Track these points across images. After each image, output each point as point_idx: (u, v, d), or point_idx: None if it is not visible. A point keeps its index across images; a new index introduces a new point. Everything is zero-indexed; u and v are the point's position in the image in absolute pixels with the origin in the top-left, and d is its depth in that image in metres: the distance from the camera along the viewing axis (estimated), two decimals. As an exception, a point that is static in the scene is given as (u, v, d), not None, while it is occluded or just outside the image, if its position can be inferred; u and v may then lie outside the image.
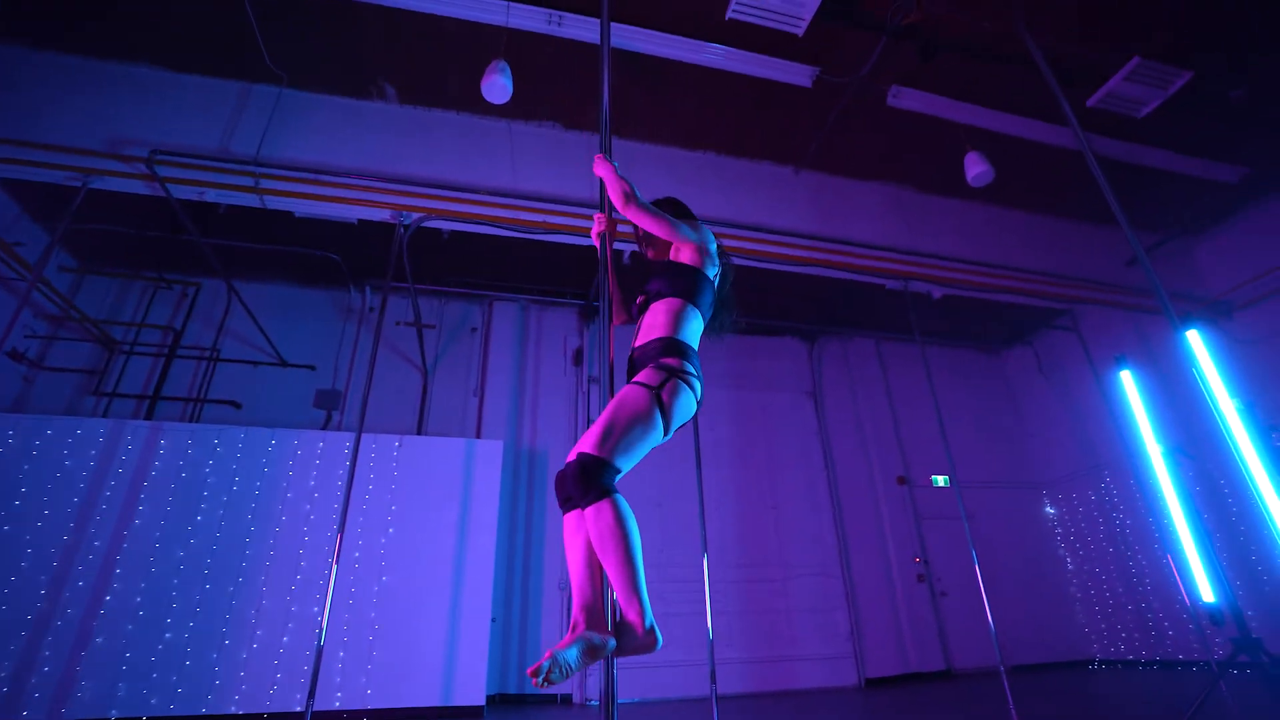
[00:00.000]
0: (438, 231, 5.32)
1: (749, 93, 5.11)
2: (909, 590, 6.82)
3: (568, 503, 1.61)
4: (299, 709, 4.40)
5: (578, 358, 7.11)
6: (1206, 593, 3.20)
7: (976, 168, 4.81)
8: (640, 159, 5.48)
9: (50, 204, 5.14)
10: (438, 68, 4.87)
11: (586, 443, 1.57)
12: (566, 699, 5.49)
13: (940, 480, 7.61)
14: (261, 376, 6.43)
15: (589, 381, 6.98)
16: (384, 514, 5.15)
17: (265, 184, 4.46)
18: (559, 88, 5.07)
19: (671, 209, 2.13)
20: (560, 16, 4.30)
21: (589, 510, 1.49)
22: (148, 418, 5.77)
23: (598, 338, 7.34)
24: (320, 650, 3.57)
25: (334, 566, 3.75)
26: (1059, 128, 5.35)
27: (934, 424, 7.61)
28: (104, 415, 5.74)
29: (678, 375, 1.67)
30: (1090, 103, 5.01)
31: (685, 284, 1.84)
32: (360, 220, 4.89)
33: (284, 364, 6.45)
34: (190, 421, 5.88)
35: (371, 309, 6.94)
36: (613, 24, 4.29)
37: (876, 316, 7.54)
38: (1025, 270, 6.12)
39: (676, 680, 5.72)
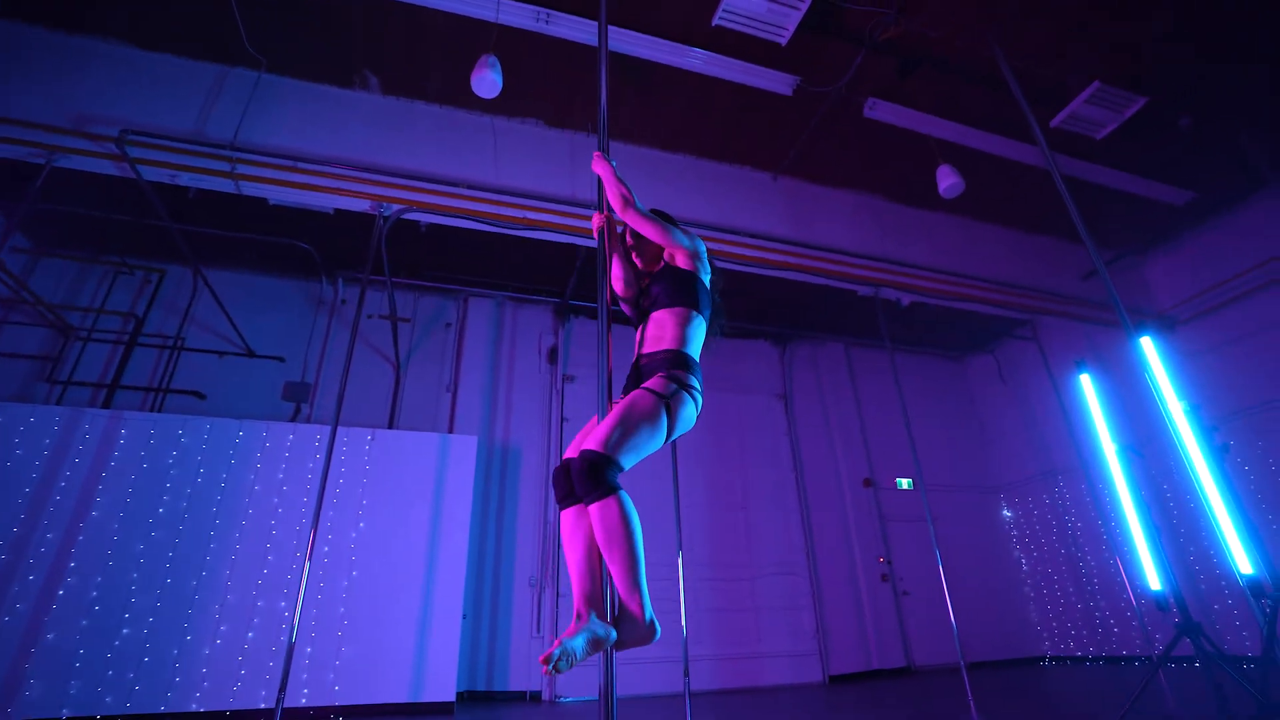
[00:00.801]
0: (415, 225, 5.28)
1: (731, 99, 5.22)
2: (873, 590, 7.00)
3: (567, 499, 1.65)
4: (264, 706, 4.31)
5: (552, 356, 7.11)
6: (1154, 581, 3.40)
7: (948, 180, 5.00)
8: (622, 159, 5.53)
9: (3, 180, 4.94)
10: (422, 60, 4.84)
11: (593, 441, 1.59)
12: (535, 696, 5.49)
13: (904, 483, 7.84)
14: (227, 367, 6.25)
15: (563, 380, 7.00)
16: (355, 509, 5.08)
17: (242, 169, 4.36)
18: (544, 85, 5.09)
19: (663, 218, 2.18)
20: (549, 14, 4.33)
21: (594, 506, 1.52)
22: (105, 406, 5.57)
23: (572, 337, 7.37)
24: (291, 647, 3.49)
25: (306, 564, 3.68)
26: (1024, 145, 5.60)
27: (899, 428, 7.88)
28: (58, 403, 5.53)
29: (685, 388, 1.72)
30: (1054, 123, 5.26)
31: (688, 291, 1.89)
32: (337, 210, 4.83)
33: (251, 355, 6.30)
34: (152, 411, 5.69)
35: (344, 301, 6.83)
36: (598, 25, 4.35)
37: (846, 322, 7.74)
38: (990, 280, 6.37)
39: (649, 676, 5.77)
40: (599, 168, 2.09)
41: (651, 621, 1.52)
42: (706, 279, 2.01)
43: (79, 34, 4.49)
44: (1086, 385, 3.92)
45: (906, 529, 7.56)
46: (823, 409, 7.92)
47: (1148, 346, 2.77)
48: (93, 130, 4.18)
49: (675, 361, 1.77)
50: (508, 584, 5.84)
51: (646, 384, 1.73)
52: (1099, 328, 6.97)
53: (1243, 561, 2.30)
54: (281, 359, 6.43)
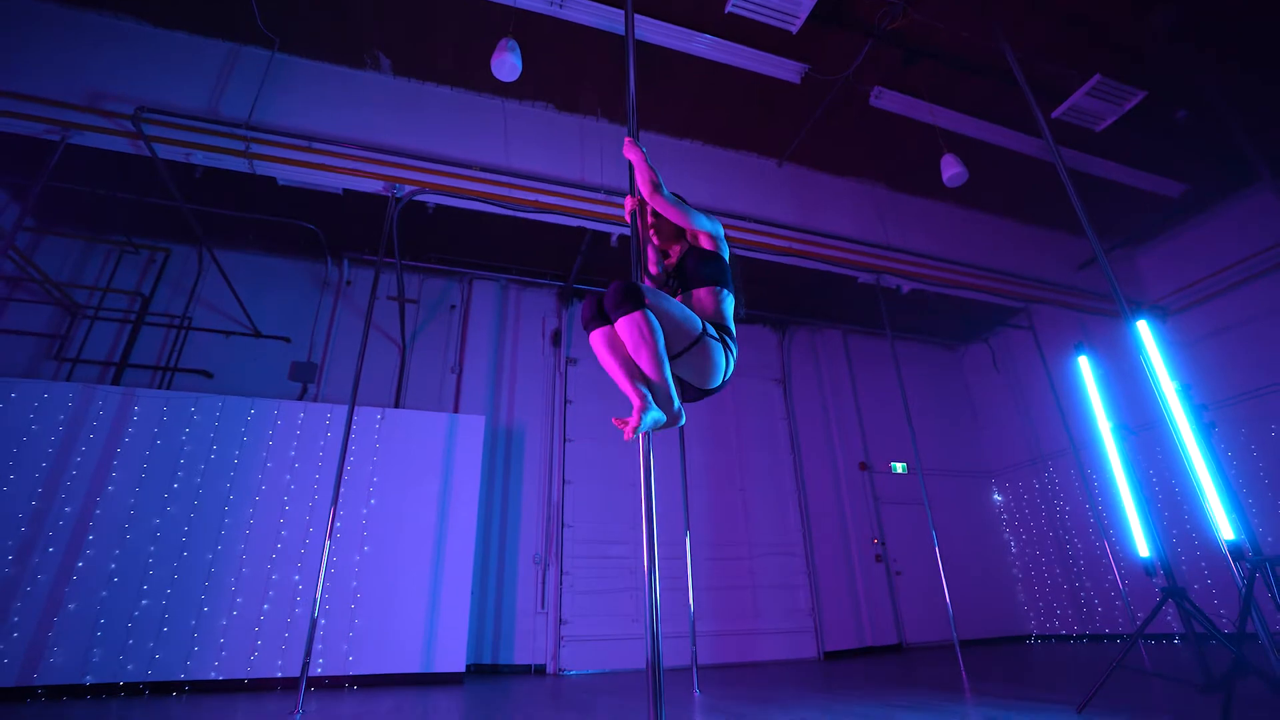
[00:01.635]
0: (423, 206, 5.35)
1: (740, 86, 5.30)
2: (867, 569, 7.22)
3: (594, 320, 1.84)
4: (280, 675, 4.46)
5: (556, 339, 7.22)
6: (1142, 549, 3.60)
7: (952, 169, 5.13)
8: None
9: (9, 158, 4.96)
10: (433, 41, 4.89)
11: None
12: (540, 669, 5.67)
13: (899, 467, 8.05)
14: (234, 347, 6.32)
15: (566, 363, 7.11)
16: (365, 486, 5.20)
17: (256, 149, 4.41)
18: (555, 69, 5.16)
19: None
20: (563, -2, 4.40)
21: (625, 320, 1.72)
22: (114, 384, 5.63)
23: (576, 320, 7.47)
24: (314, 621, 3.62)
25: (327, 541, 3.79)
26: (1025, 136, 5.74)
27: (894, 414, 8.08)
28: (68, 380, 5.59)
29: (723, 343, 1.92)
30: (1054, 114, 5.39)
31: (717, 269, 2.05)
32: (346, 190, 4.90)
33: (258, 335, 6.37)
34: (160, 389, 5.77)
35: (349, 282, 6.89)
36: (613, 9, 4.43)
37: (844, 309, 7.90)
38: (988, 269, 6.53)
39: (643, 652, 5.95)
40: (631, 153, 2.20)
41: (679, 408, 1.81)
42: (727, 257, 2.14)
43: (92, 10, 4.50)
44: (1085, 366, 4.10)
45: (900, 511, 7.78)
46: (820, 394, 8.09)
47: (1144, 330, 2.93)
48: (107, 108, 4.22)
49: (720, 326, 1.97)
50: (512, 561, 5.99)
51: (708, 324, 1.94)
52: (1092, 316, 7.16)
53: (1226, 530, 2.48)
54: (287, 339, 6.50)
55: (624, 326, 1.72)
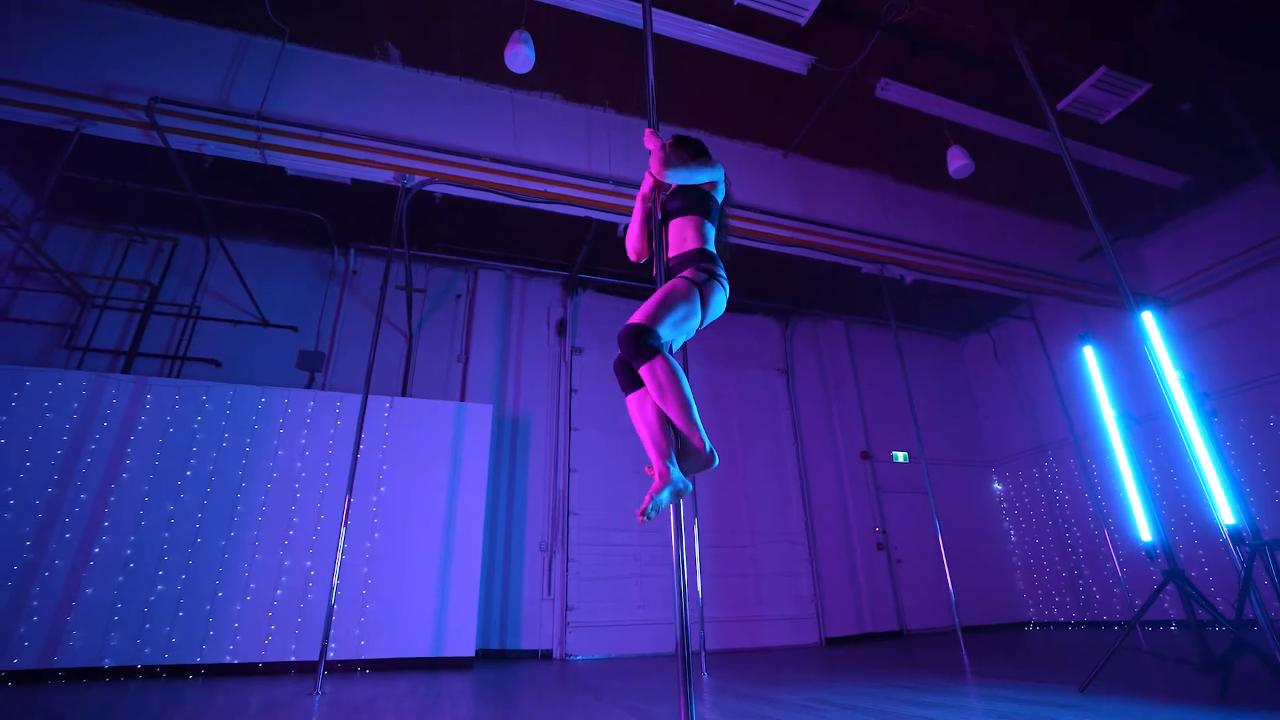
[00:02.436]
0: (430, 196, 5.40)
1: (747, 77, 5.33)
2: (868, 557, 7.32)
3: (629, 386, 1.92)
4: (294, 659, 4.54)
5: (561, 328, 7.27)
6: (1145, 533, 3.68)
7: (958, 161, 5.16)
8: (640, 133, 5.64)
9: (21, 147, 4.98)
10: (442, 32, 4.91)
11: (637, 315, 1.85)
12: (547, 654, 5.76)
13: (900, 456, 8.13)
14: (241, 336, 6.37)
15: (572, 352, 7.16)
16: (375, 473, 5.26)
17: (267, 139, 4.45)
18: (563, 60, 5.18)
19: (694, 147, 2.38)
20: (572, -11, 4.42)
21: (645, 368, 1.77)
22: (125, 373, 5.68)
23: (581, 309, 7.52)
24: (331, 608, 3.70)
25: (343, 528, 3.89)
26: (1030, 128, 5.76)
27: (896, 404, 8.14)
28: (78, 368, 5.64)
29: (715, 277, 1.97)
30: (1060, 106, 5.42)
31: (702, 204, 2.17)
32: (355, 180, 4.94)
33: (265, 324, 6.41)
34: (171, 378, 5.82)
35: (355, 271, 6.93)
36: (626, 0, 4.44)
37: (846, 300, 7.94)
38: (991, 260, 6.58)
39: (655, 637, 6.05)
40: (650, 143, 2.25)
41: (710, 450, 1.81)
42: (720, 198, 2.27)
43: (104, 0, 4.52)
44: (1090, 357, 4.15)
45: (901, 500, 7.87)
46: (822, 384, 8.15)
47: (1148, 321, 2.99)
48: (121, 98, 4.24)
49: (701, 256, 2.05)
50: (519, 548, 6.08)
51: (680, 274, 2.00)
52: (1094, 308, 7.22)
53: (1227, 515, 2.55)
54: (295, 328, 6.54)
55: (645, 375, 1.77)
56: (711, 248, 2.12)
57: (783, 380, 7.97)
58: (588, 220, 5.81)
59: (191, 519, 4.70)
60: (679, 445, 1.82)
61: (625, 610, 6.09)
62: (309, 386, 6.24)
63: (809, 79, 5.25)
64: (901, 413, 8.10)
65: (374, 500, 5.19)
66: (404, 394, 6.47)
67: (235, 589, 4.61)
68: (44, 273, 5.72)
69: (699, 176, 2.19)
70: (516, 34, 4.01)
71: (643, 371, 1.77)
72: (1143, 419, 5.50)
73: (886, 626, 7.07)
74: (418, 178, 4.73)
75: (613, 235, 6.12)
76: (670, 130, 5.84)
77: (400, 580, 4.99)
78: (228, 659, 4.43)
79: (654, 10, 4.56)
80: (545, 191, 5.03)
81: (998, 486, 8.50)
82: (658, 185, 2.31)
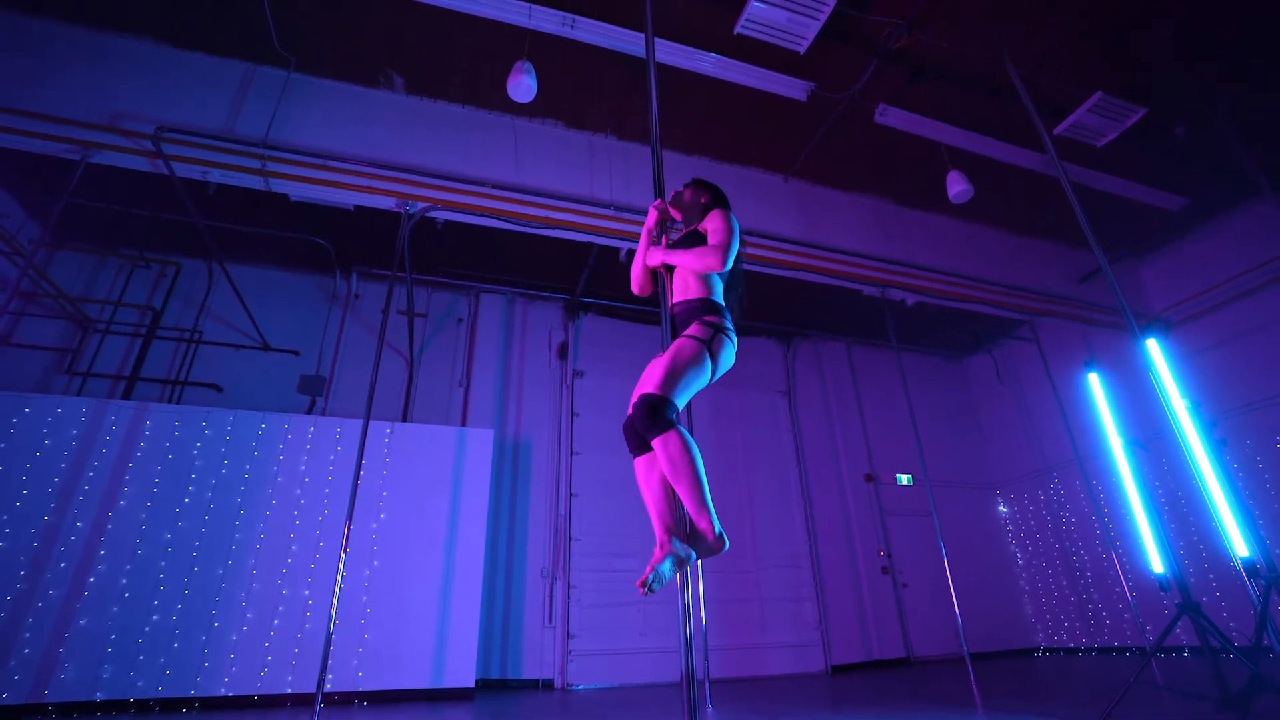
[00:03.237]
0: (432, 222, 5.40)
1: (747, 104, 5.37)
2: (873, 582, 7.21)
3: (638, 449, 1.87)
4: (289, 691, 4.44)
5: (562, 352, 7.24)
6: (1156, 564, 3.61)
7: (958, 185, 5.17)
8: (642, 160, 5.68)
9: (28, 176, 5.02)
10: (446, 61, 4.96)
11: (649, 385, 1.80)
12: (548, 684, 5.64)
13: (904, 478, 8.05)
14: (243, 360, 6.35)
15: (573, 376, 7.13)
16: (375, 500, 5.19)
17: (272, 166, 4.47)
18: (565, 87, 5.22)
19: (712, 194, 2.34)
20: (573, 20, 4.47)
21: (657, 442, 1.72)
22: (125, 398, 5.65)
23: (582, 333, 7.51)
24: (330, 637, 3.62)
25: (342, 555, 3.81)
26: (1028, 151, 5.80)
27: (898, 425, 8.09)
28: (78, 394, 5.61)
29: (722, 331, 1.91)
30: (1057, 131, 5.45)
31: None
32: (357, 207, 4.94)
33: (267, 348, 6.40)
34: (171, 403, 5.78)
35: (357, 296, 6.93)
36: (624, 30, 4.50)
37: (848, 321, 7.93)
38: (992, 282, 6.57)
39: (658, 666, 5.93)
40: (666, 256, 2.16)
41: (720, 535, 1.74)
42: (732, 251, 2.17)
43: (113, 32, 4.57)
44: (1094, 383, 4.12)
45: (905, 523, 7.77)
46: (825, 406, 8.10)
47: (1153, 348, 2.96)
48: (128, 127, 4.27)
49: (706, 308, 1.98)
50: (520, 575, 5.99)
51: (687, 332, 1.93)
52: (1096, 328, 7.20)
53: (1240, 546, 2.49)
54: (296, 353, 6.52)
55: (658, 447, 1.72)
56: (718, 298, 2.05)
57: (785, 402, 7.93)
58: (589, 245, 5.82)
59: (189, 547, 4.64)
60: (688, 528, 1.75)
61: (628, 638, 5.98)
62: (310, 411, 6.20)
63: (809, 105, 5.29)
64: (905, 434, 8.04)
65: (374, 527, 5.12)
66: (405, 419, 6.43)
67: (232, 619, 4.53)
68: (47, 298, 5.72)
69: (735, 245, 2.08)
70: (519, 64, 4.05)
71: (655, 444, 1.72)
72: (1149, 443, 5.45)
73: (893, 653, 6.94)
74: (420, 204, 4.75)
75: (614, 259, 6.12)
76: (671, 156, 5.89)
77: (400, 609, 4.90)
78: (223, 691, 4.33)
79: (655, 39, 4.62)
80: (547, 217, 5.04)
81: (1003, 509, 8.41)
82: (662, 220, 2.29)
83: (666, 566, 1.62)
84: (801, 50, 4.60)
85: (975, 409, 9.04)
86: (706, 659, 4.07)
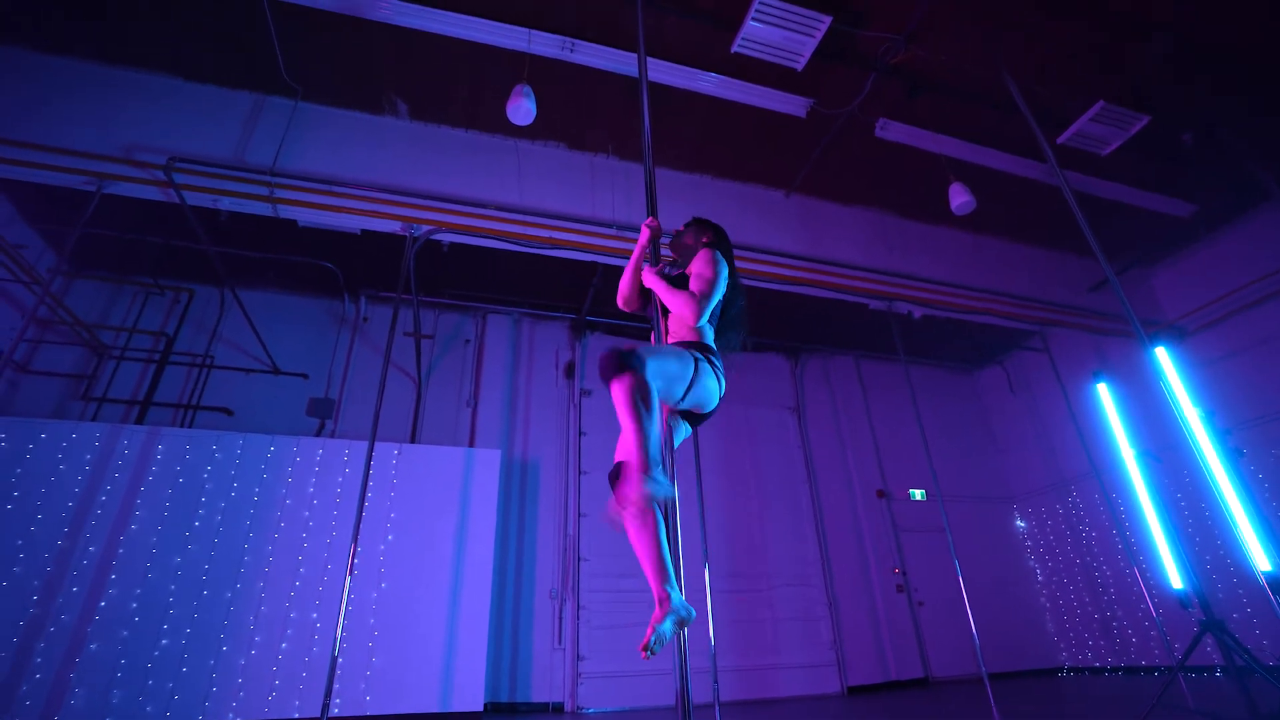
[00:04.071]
0: (439, 244, 5.46)
1: (747, 121, 5.41)
2: (888, 600, 7.06)
3: (625, 503, 1.70)
4: (297, 716, 4.41)
5: (569, 371, 7.26)
6: (1175, 580, 3.49)
7: (960, 198, 5.15)
8: (643, 179, 5.72)
9: (45, 206, 5.15)
10: (449, 86, 5.05)
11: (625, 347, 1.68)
12: (558, 707, 5.56)
13: (918, 494, 7.92)
14: (253, 384, 6.42)
15: (580, 395, 7.13)
16: (383, 522, 5.19)
17: (279, 193, 4.56)
18: (566, 109, 5.30)
19: (713, 233, 2.32)
20: (573, 44, 4.54)
21: (614, 384, 1.56)
22: (139, 423, 5.73)
23: (589, 352, 7.51)
24: (335, 660, 3.63)
25: (347, 578, 3.84)
26: (1031, 161, 5.77)
27: (911, 440, 7.97)
28: (94, 420, 5.70)
29: (708, 361, 1.90)
30: (1060, 140, 5.43)
31: None
32: (364, 231, 5.02)
33: (277, 372, 6.47)
34: (183, 427, 5.85)
35: (365, 319, 7.00)
36: (622, 52, 4.56)
37: (857, 336, 7.88)
38: (999, 293, 6.51)
39: (671, 688, 5.83)
40: (654, 283, 2.13)
41: (656, 480, 1.53)
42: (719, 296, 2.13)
43: (127, 66, 4.72)
44: (1104, 394, 4.04)
45: (920, 539, 7.63)
46: (835, 421, 8.03)
47: (1163, 356, 2.90)
48: (140, 158, 4.39)
49: (697, 346, 1.95)
50: (529, 597, 5.94)
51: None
52: (1107, 338, 7.09)
53: (1261, 560, 2.41)
54: (305, 376, 6.59)
55: (614, 389, 1.60)
56: (708, 340, 2.01)
57: (794, 418, 7.86)
58: (593, 264, 5.85)
59: (198, 570, 4.65)
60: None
61: (639, 660, 5.89)
62: (319, 434, 6.25)
63: (808, 121, 5.32)
64: (918, 449, 7.92)
65: (381, 549, 5.11)
66: (413, 440, 6.45)
67: (240, 643, 4.52)
68: (64, 325, 5.84)
69: (718, 295, 2.03)
70: (518, 88, 4.12)
71: (612, 386, 1.58)
72: (1164, 455, 5.32)
73: (911, 674, 6.77)
74: (425, 227, 4.81)
75: (618, 279, 6.14)
76: (671, 175, 5.92)
77: (407, 632, 4.87)
78: (230, 717, 4.32)
79: (652, 61, 4.68)
80: (550, 238, 5.08)
81: (1021, 523, 8.23)
82: (654, 238, 2.29)
83: (668, 625, 1.57)
84: (799, 67, 4.63)
85: (989, 421, 8.91)
86: (716, 681, 3.98)
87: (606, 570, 6.22)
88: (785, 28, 4.35)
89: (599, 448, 6.85)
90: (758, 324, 7.31)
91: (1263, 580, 2.39)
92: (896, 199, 6.51)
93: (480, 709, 4.74)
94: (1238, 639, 2.53)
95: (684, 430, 1.99)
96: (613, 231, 5.26)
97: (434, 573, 5.13)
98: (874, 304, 6.12)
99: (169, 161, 4.31)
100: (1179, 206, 6.46)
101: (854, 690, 6.43)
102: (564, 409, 7.00)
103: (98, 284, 6.29)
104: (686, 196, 5.87)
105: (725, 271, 2.08)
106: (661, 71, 4.75)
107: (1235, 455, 2.43)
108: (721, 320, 2.21)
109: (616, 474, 1.82)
